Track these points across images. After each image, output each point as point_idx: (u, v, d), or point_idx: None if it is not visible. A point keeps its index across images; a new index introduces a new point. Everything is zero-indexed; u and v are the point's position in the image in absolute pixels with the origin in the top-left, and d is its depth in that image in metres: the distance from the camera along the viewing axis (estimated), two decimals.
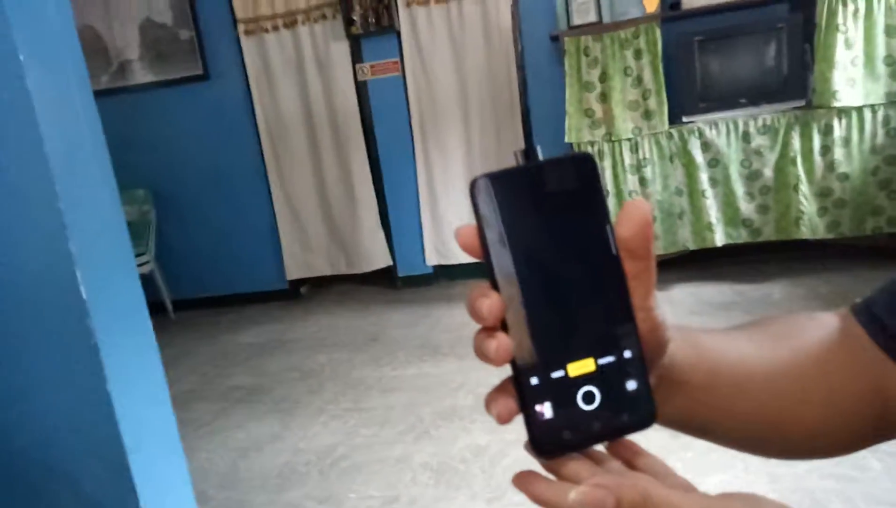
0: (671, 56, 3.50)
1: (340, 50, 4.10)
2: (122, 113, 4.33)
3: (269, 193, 4.37)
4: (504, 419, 0.32)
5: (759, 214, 3.47)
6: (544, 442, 0.31)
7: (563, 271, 0.32)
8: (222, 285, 4.57)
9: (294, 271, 4.47)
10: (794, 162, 3.36)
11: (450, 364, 2.99)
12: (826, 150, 3.35)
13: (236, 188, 4.42)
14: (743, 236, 3.50)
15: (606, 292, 0.32)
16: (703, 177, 3.45)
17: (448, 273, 4.28)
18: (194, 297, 4.56)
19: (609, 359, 0.32)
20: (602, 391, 0.32)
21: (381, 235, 4.31)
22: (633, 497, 0.28)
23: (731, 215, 3.48)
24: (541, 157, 0.32)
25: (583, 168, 0.32)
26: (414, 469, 2.19)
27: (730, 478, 1.85)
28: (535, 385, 0.31)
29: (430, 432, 2.41)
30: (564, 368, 0.31)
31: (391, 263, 4.34)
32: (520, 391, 0.31)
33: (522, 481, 0.31)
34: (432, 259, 4.26)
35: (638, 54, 3.44)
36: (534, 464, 0.34)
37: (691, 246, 3.50)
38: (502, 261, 0.31)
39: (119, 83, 4.32)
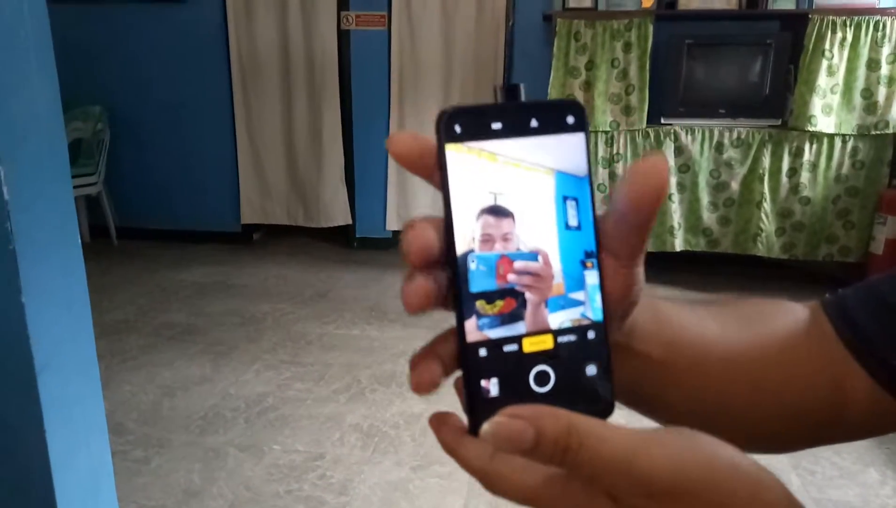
0: (659, 55, 3.48)
1: None
2: (89, 25, 4.10)
3: (234, 130, 4.21)
4: (422, 389, 0.28)
5: (720, 225, 3.51)
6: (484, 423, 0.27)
7: (531, 226, 0.27)
8: (172, 219, 4.40)
9: (249, 215, 4.34)
10: (761, 179, 3.41)
11: (395, 331, 2.95)
12: (793, 172, 3.40)
13: (199, 120, 4.24)
14: (701, 245, 3.54)
15: (575, 253, 0.28)
16: (672, 180, 3.46)
17: None
18: (141, 227, 4.39)
19: (570, 338, 0.28)
20: (557, 373, 0.28)
21: (344, 192, 4.22)
22: (555, 428, 0.24)
23: (693, 223, 3.52)
24: (524, 98, 0.28)
25: (570, 116, 0.28)
26: (343, 428, 2.15)
27: None
28: (484, 358, 0.27)
29: (366, 394, 2.38)
30: (519, 342, 0.28)
31: (350, 221, 4.25)
32: (465, 362, 0.27)
33: (438, 423, 0.28)
34: (393, 224, 4.19)
35: (627, 48, 3.41)
36: None
37: (650, 248, 3.52)
38: (464, 214, 0.27)
39: None
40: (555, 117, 0.28)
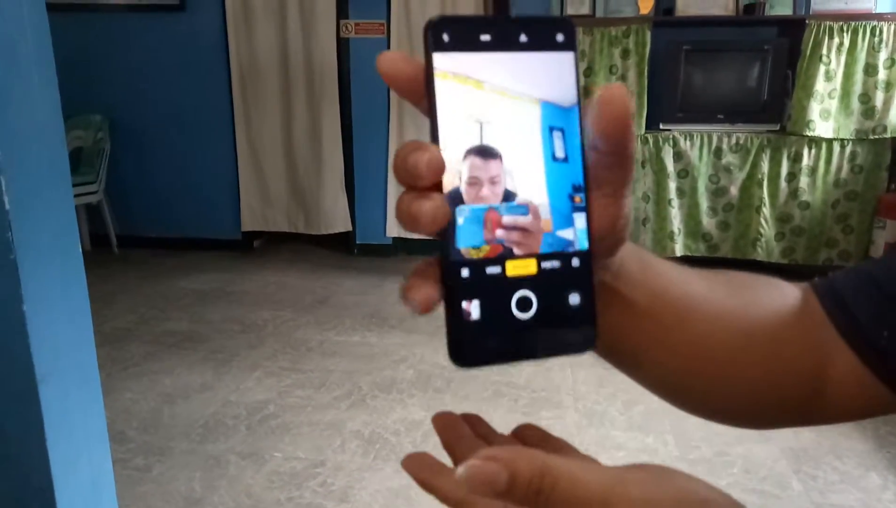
0: (657, 61, 3.49)
1: (326, 2, 3.96)
2: (89, 33, 4.12)
3: (234, 138, 4.22)
4: (425, 308, 0.27)
5: (720, 230, 3.52)
6: (466, 349, 0.27)
7: (518, 146, 0.27)
8: (172, 227, 4.41)
9: (249, 222, 4.34)
10: (760, 184, 3.42)
11: (395, 337, 2.95)
12: (792, 177, 3.41)
13: (199, 129, 4.25)
14: (701, 250, 3.55)
15: (563, 187, 0.28)
16: (672, 186, 3.47)
17: (407, 247, 4.23)
18: (141, 235, 4.40)
19: (554, 264, 0.28)
20: (540, 300, 0.27)
21: (344, 198, 4.22)
22: (529, 471, 0.24)
23: (693, 228, 3.52)
24: (513, 13, 0.27)
25: (560, 33, 0.28)
26: (344, 435, 2.15)
27: None
28: (466, 278, 0.27)
29: (367, 401, 2.38)
30: (502, 264, 0.27)
31: (350, 228, 4.26)
32: (446, 283, 0.27)
33: (412, 464, 0.28)
34: (393, 230, 4.20)
35: (625, 54, 3.42)
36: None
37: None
38: (449, 139, 0.26)
39: (90, 0, 4.10)
40: (544, 34, 0.27)
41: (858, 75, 3.30)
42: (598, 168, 0.28)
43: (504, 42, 0.27)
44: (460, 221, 0.27)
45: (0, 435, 1.05)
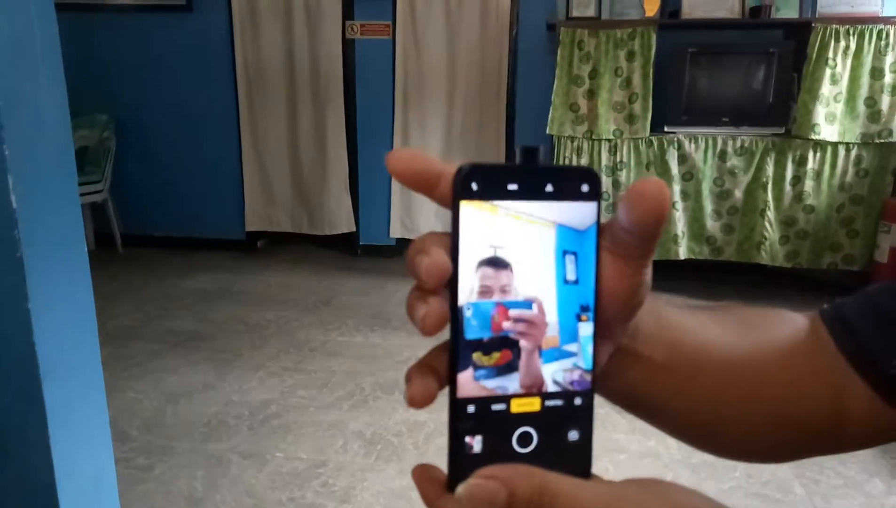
0: (663, 64, 3.49)
1: (332, 3, 3.97)
2: (96, 33, 4.14)
3: (239, 138, 4.23)
4: (416, 403, 0.28)
5: (724, 233, 3.51)
6: (464, 479, 0.28)
7: (528, 279, 0.28)
8: (177, 226, 4.42)
9: (254, 222, 4.35)
10: (764, 187, 3.41)
11: (398, 338, 2.95)
12: (797, 180, 3.40)
13: (205, 129, 4.27)
14: (705, 253, 3.54)
15: (571, 316, 0.29)
16: (676, 189, 3.46)
17: None
18: (146, 234, 4.41)
19: (557, 402, 0.29)
20: (541, 436, 0.29)
21: (348, 199, 4.23)
22: (527, 488, 0.25)
23: (697, 231, 3.52)
24: (542, 161, 0.29)
25: (585, 184, 0.29)
26: (346, 436, 2.15)
27: None
28: (471, 415, 0.28)
29: (369, 402, 2.38)
30: (507, 402, 0.28)
31: (354, 229, 4.27)
32: (452, 418, 0.28)
33: (421, 477, 0.28)
34: (396, 231, 4.20)
35: (631, 56, 3.42)
36: None
37: (654, 256, 3.52)
38: (466, 267, 0.27)
39: (97, 0, 4.11)
40: (570, 184, 0.28)
41: (864, 79, 3.29)
42: (621, 242, 0.29)
43: (530, 191, 0.28)
44: (468, 314, 0.27)
45: (3, 432, 1.05)
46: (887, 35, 3.23)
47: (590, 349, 0.29)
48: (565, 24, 3.49)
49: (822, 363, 0.39)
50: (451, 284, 0.27)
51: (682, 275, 3.72)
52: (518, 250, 0.28)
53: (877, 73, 3.27)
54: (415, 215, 4.15)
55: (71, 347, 1.11)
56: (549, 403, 0.29)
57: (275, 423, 2.22)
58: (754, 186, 3.43)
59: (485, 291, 0.28)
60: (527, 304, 0.28)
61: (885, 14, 3.35)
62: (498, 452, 0.28)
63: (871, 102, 3.30)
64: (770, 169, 3.39)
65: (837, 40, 3.26)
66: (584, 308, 0.29)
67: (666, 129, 3.47)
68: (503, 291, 0.28)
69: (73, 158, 1.11)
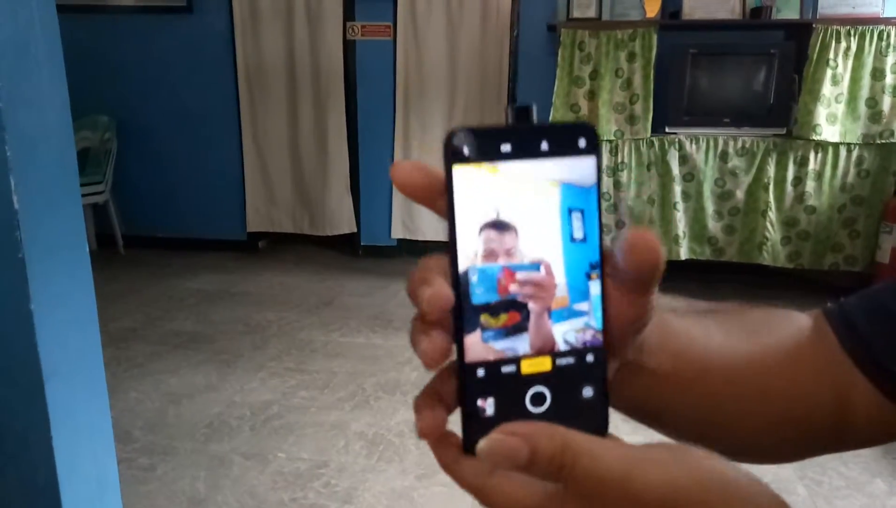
0: (663, 65, 3.49)
1: (333, 4, 3.97)
2: (98, 35, 4.14)
3: (240, 139, 4.23)
4: (428, 434, 0.28)
5: (725, 234, 3.51)
6: (478, 442, 0.27)
7: (534, 240, 0.27)
8: (178, 227, 4.42)
9: (255, 223, 4.36)
10: (766, 188, 3.41)
11: (400, 338, 2.95)
12: (798, 181, 3.40)
13: (206, 130, 4.27)
14: (706, 254, 3.54)
15: (581, 274, 0.28)
16: (677, 189, 3.46)
17: (412, 249, 4.23)
18: (147, 235, 4.41)
19: (568, 360, 0.28)
20: (554, 395, 0.28)
21: (349, 200, 4.23)
22: (550, 446, 0.25)
23: (698, 232, 3.51)
24: (535, 119, 0.28)
25: (582, 138, 0.28)
26: (348, 436, 2.15)
27: None
28: (482, 378, 0.27)
29: (370, 402, 2.38)
30: (517, 363, 0.28)
31: (355, 229, 4.27)
32: (462, 382, 0.27)
33: (432, 434, 0.28)
34: (398, 232, 4.20)
35: (631, 57, 3.42)
36: None
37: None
38: (467, 231, 0.27)
39: (97, 1, 4.12)
40: (566, 140, 0.27)
41: (865, 80, 3.29)
42: (625, 280, 0.29)
43: (526, 150, 0.27)
44: (474, 279, 0.27)
45: (6, 433, 1.05)
46: (888, 36, 3.22)
47: (600, 308, 0.28)
48: (566, 25, 3.49)
49: (826, 362, 0.40)
50: (451, 249, 0.27)
51: (684, 276, 3.72)
52: (521, 211, 0.27)
53: (878, 73, 3.27)
54: (416, 216, 4.15)
55: (73, 348, 1.11)
56: (561, 362, 0.28)
57: (276, 424, 2.23)
58: (755, 187, 3.43)
59: (489, 254, 0.27)
60: (534, 266, 0.28)
61: (885, 15, 3.35)
62: (511, 413, 0.27)
63: (873, 102, 3.30)
64: (771, 170, 3.39)
65: (838, 41, 3.26)
66: (593, 266, 0.28)
67: (667, 129, 3.47)
68: (508, 254, 0.27)
69: (75, 160, 1.12)
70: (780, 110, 3.45)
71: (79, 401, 1.12)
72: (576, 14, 3.62)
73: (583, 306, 0.28)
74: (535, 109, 0.28)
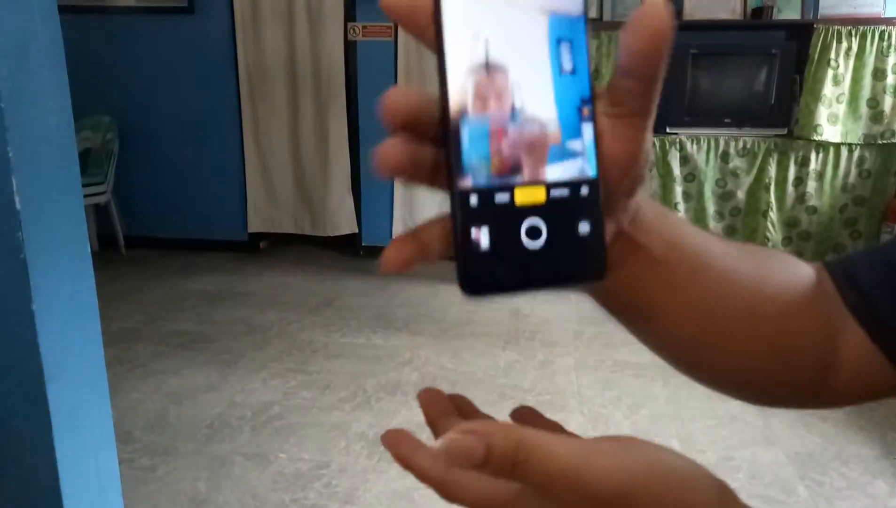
0: None
1: (334, 4, 3.98)
2: (99, 35, 4.15)
3: (241, 140, 4.24)
4: (390, 265, 0.27)
5: (726, 234, 3.51)
6: (475, 278, 0.27)
7: (525, 61, 0.27)
8: (179, 228, 4.43)
9: (256, 223, 4.36)
10: (767, 188, 3.40)
11: (401, 339, 2.95)
12: (799, 181, 3.40)
13: (207, 130, 4.27)
14: None
15: (571, 100, 0.27)
16: (678, 190, 3.46)
17: None
18: (149, 235, 4.42)
19: (562, 192, 0.28)
20: (549, 228, 0.27)
21: (351, 200, 4.23)
22: (504, 444, 0.25)
23: None
24: None
25: None
26: (349, 437, 2.15)
27: None
28: (474, 207, 0.27)
29: (371, 403, 2.38)
30: (511, 191, 0.27)
31: (357, 230, 4.27)
32: (454, 211, 0.27)
33: (391, 440, 0.29)
34: (399, 232, 4.20)
35: None
36: None
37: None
38: (453, 59, 0.26)
39: (98, 2, 4.13)
40: None
41: (867, 80, 3.29)
42: (620, 93, 0.28)
43: None
44: (465, 136, 0.26)
45: (8, 433, 1.05)
46: (889, 36, 3.22)
47: (594, 151, 0.28)
48: None
49: (821, 308, 0.39)
50: (441, 87, 0.26)
51: None
52: (510, 45, 0.27)
53: (879, 74, 3.27)
54: (417, 216, 4.15)
55: (75, 348, 1.11)
56: (555, 193, 0.27)
57: (278, 424, 2.23)
58: (756, 188, 3.42)
59: (479, 98, 0.26)
60: (529, 123, 0.27)
61: (887, 15, 3.35)
62: (507, 247, 0.27)
63: (874, 102, 3.30)
64: (772, 170, 3.39)
65: (839, 41, 3.26)
66: (584, 101, 0.28)
67: (668, 130, 3.47)
68: (499, 97, 0.27)
69: (77, 160, 1.12)
70: (782, 111, 3.45)
71: (80, 401, 1.12)
72: None
73: (576, 144, 0.28)
74: None
